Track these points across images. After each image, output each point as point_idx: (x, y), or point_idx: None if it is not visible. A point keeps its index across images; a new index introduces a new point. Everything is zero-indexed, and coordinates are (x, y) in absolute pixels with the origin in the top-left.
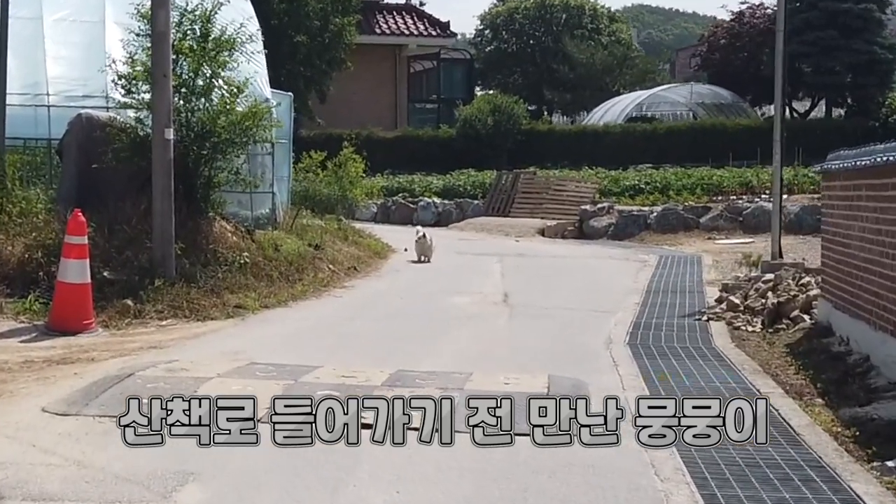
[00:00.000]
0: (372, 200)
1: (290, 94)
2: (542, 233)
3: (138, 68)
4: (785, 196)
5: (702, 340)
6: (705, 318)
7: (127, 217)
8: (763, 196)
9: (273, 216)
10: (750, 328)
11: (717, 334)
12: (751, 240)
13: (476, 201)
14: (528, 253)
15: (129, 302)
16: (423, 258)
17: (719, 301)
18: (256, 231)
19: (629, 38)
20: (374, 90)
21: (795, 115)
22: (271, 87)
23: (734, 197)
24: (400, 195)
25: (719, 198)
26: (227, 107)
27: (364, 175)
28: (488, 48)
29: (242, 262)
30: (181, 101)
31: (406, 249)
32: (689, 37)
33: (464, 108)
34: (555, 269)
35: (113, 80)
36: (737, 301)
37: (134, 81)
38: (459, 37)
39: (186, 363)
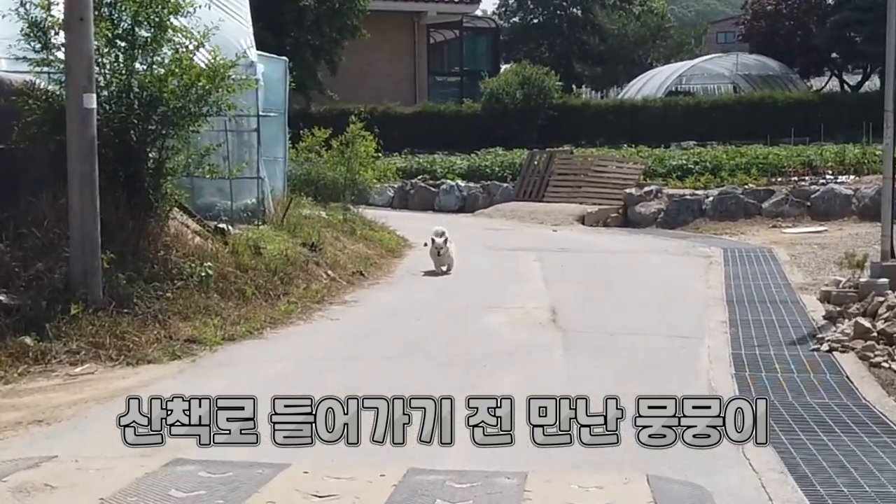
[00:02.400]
0: (387, 184)
1: (284, 59)
2: (582, 220)
3: (55, 14)
4: (853, 177)
5: (840, 388)
6: (825, 346)
7: (40, 217)
8: (828, 176)
9: (261, 207)
10: None
11: (857, 377)
12: (822, 228)
13: (505, 184)
14: (570, 247)
15: (28, 340)
16: (442, 268)
17: (831, 319)
18: (234, 229)
19: (663, 7)
20: (390, 62)
21: (847, 87)
22: (270, 53)
23: (796, 178)
24: (420, 177)
25: (778, 179)
26: (181, 65)
27: (377, 155)
28: (513, 19)
29: (204, 274)
30: (120, 59)
31: (426, 244)
32: (711, 13)
33: (489, 80)
34: (607, 269)
35: (22, 31)
36: (866, 324)
37: (52, 31)
38: (481, 10)
39: (65, 468)
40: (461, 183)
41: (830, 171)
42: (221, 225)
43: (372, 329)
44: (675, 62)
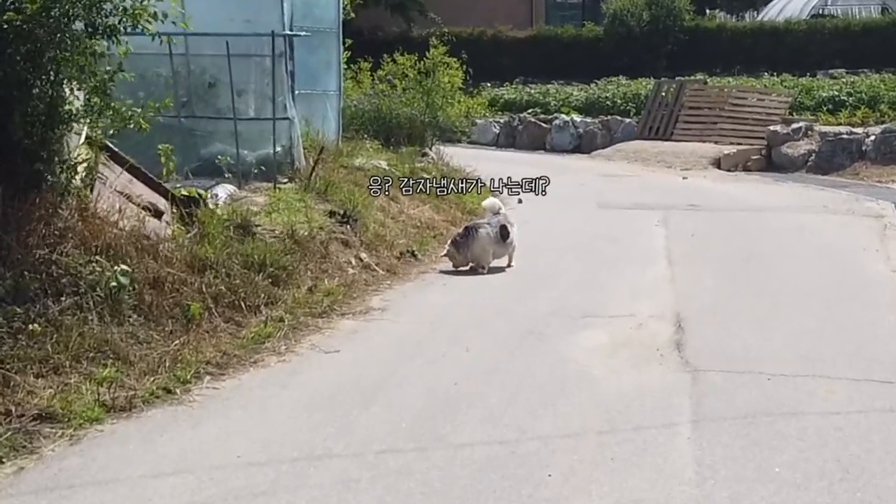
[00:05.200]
0: (493, 118)
1: None
2: (718, 164)
3: None
4: None
5: None
6: None
7: None
8: None
9: (288, 159)
10: None
11: None
12: None
13: (627, 119)
14: (703, 202)
15: None
16: (480, 268)
17: None
18: (235, 192)
19: None
20: None
21: None
22: None
23: None
24: (530, 111)
25: None
26: None
27: (465, 87)
28: None
29: (115, 284)
30: None
31: (521, 201)
32: None
33: (613, 0)
34: (751, 237)
35: None
36: None
37: None
38: None
39: None
40: (577, 118)
41: None
42: (199, 191)
43: (382, 376)
44: None
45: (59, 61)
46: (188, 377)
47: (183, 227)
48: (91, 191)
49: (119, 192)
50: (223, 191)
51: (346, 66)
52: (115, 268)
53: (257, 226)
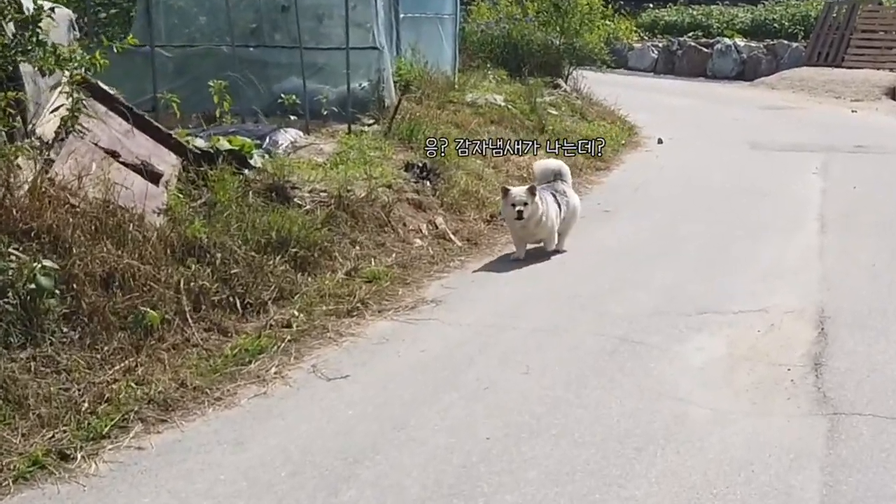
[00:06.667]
0: (651, 43)
1: None
2: (893, 94)
3: None
4: None
5: None
6: None
7: None
8: None
9: (377, 92)
10: None
11: None
12: None
13: (795, 44)
14: (872, 143)
15: None
16: (526, 246)
17: None
18: (292, 143)
19: None
20: None
21: None
22: None
23: None
24: (691, 34)
25: None
26: None
27: (622, 8)
28: None
29: (32, 289)
30: None
31: (660, 141)
32: None
33: None
34: None
35: None
36: None
37: None
38: None
39: None
40: (740, 42)
41: None
42: (246, 140)
43: (385, 429)
44: None
45: None
46: (105, 430)
47: (186, 196)
48: (56, 149)
49: (105, 150)
50: (285, 137)
51: None
52: (35, 264)
53: (294, 187)
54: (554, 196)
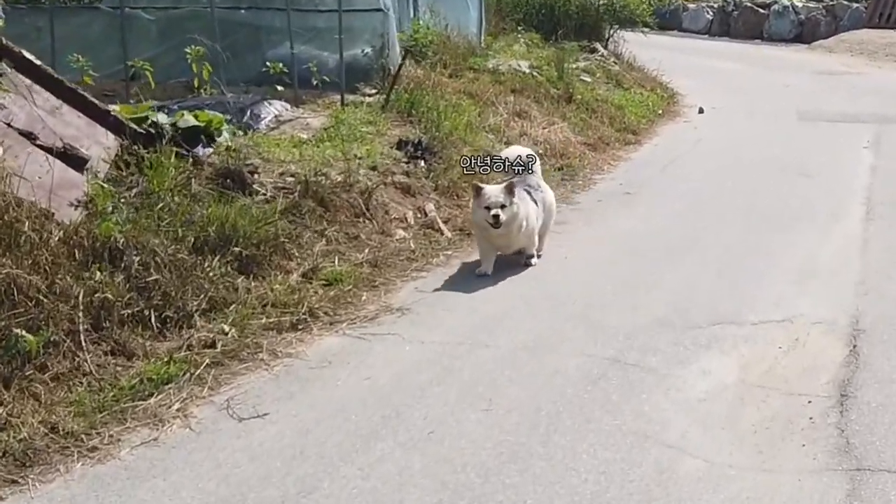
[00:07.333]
0: (706, 3)
1: None
2: None
3: None
4: None
5: None
6: None
7: None
8: None
9: (381, 59)
10: None
11: None
12: None
13: (856, 4)
14: None
15: None
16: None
17: None
18: (276, 118)
19: None
20: None
21: None
22: None
23: None
24: None
25: None
26: None
27: None
28: None
29: None
30: None
31: (701, 110)
32: None
33: None
34: None
35: None
36: None
37: None
38: None
39: None
40: (798, 3)
41: None
42: (214, 115)
43: (287, 495)
44: None
45: None
46: None
47: (117, 185)
48: None
49: (20, 131)
50: (268, 111)
51: None
52: None
53: (255, 172)
54: (528, 193)
